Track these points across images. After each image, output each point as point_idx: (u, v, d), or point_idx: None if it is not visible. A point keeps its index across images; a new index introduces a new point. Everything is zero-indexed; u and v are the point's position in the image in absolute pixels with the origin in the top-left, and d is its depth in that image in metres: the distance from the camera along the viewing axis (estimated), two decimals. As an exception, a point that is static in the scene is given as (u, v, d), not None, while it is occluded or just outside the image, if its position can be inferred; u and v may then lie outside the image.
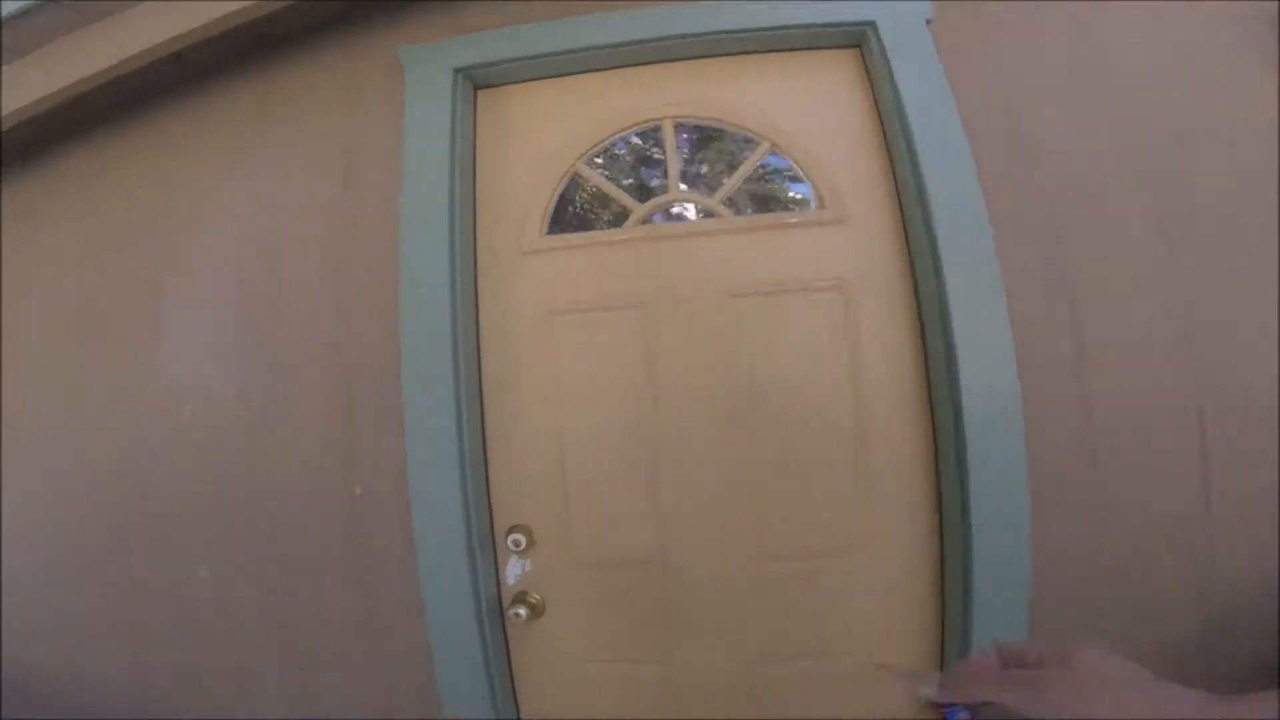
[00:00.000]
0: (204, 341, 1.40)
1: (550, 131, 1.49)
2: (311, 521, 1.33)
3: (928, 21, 1.38)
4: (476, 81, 1.50)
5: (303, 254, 1.39)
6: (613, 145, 1.51)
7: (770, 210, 1.46)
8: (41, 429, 1.47)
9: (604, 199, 1.50)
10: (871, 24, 1.40)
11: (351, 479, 1.32)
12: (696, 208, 1.47)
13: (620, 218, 1.48)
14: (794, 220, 1.43)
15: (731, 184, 1.47)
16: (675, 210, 1.48)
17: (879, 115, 1.44)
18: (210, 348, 1.39)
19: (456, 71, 1.44)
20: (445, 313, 1.32)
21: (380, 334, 1.33)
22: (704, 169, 1.51)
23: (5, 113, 1.40)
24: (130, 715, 1.52)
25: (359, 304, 1.35)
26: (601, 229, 1.47)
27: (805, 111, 1.46)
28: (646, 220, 1.47)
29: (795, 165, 1.46)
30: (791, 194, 1.47)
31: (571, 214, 1.51)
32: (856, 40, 1.45)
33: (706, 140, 1.51)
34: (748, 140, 1.47)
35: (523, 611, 1.37)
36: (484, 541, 1.37)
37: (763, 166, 1.48)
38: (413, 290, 1.33)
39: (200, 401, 1.37)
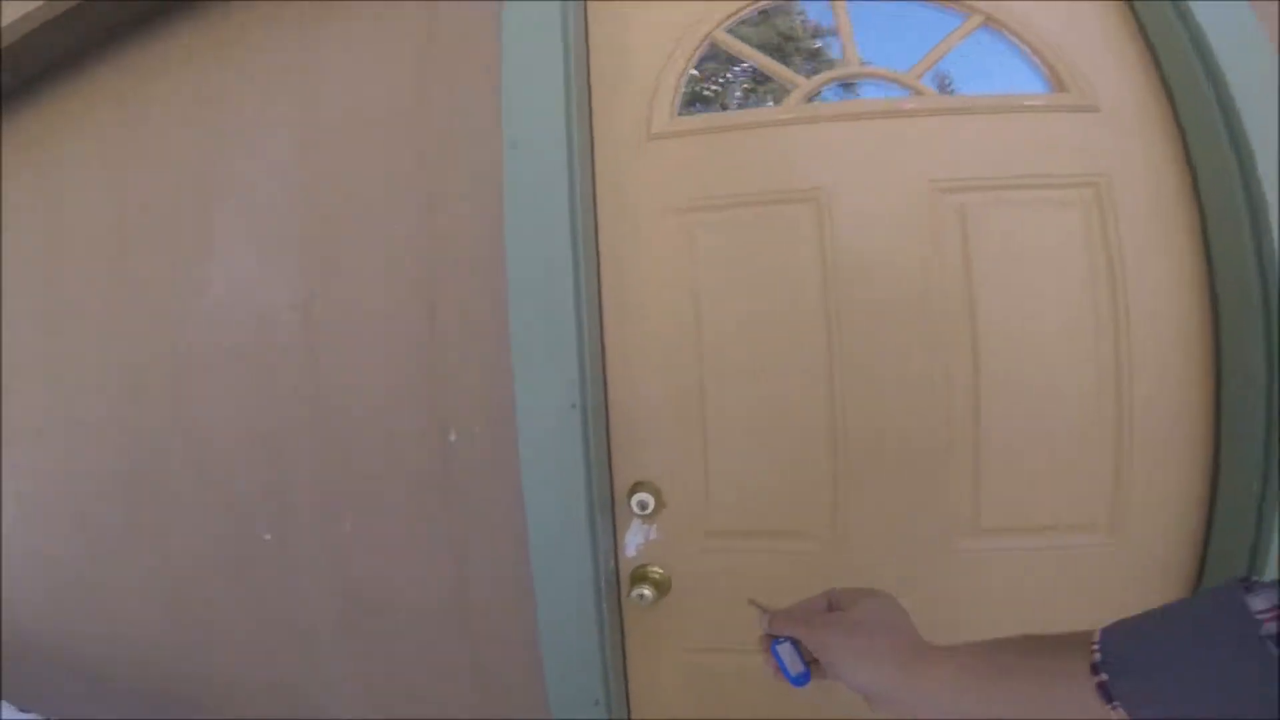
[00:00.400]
0: (259, 251, 1.13)
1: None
2: (392, 473, 1.07)
3: None
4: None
5: (374, 147, 1.10)
6: (761, 10, 1.18)
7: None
8: (78, 364, 1.24)
9: (754, 74, 1.17)
10: None
11: (443, 421, 1.05)
12: (881, 85, 1.14)
13: (777, 95, 1.16)
14: (1033, 103, 1.08)
15: (931, 58, 1.13)
16: (851, 88, 1.15)
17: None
18: (266, 258, 1.12)
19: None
20: (560, 213, 1.02)
21: (476, 242, 1.04)
22: (884, 44, 1.17)
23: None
24: (174, 714, 1.31)
25: (447, 204, 1.05)
26: (751, 108, 1.15)
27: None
28: (814, 96, 1.14)
29: (1020, 42, 1.11)
30: (1006, 78, 1.13)
31: (708, 92, 1.19)
32: None
33: (886, 11, 1.17)
34: (947, 12, 1.13)
35: (647, 592, 1.10)
36: (604, 503, 1.10)
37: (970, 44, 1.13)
38: (517, 188, 1.04)
39: (256, 321, 1.11)
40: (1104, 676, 0.41)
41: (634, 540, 1.14)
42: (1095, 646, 0.42)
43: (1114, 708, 0.40)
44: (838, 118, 1.09)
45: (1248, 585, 0.38)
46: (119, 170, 1.24)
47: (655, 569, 1.15)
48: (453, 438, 1.04)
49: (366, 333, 1.06)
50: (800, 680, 0.58)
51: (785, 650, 0.58)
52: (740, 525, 1.11)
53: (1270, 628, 0.35)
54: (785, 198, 1.07)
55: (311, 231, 1.09)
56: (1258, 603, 0.37)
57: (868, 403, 1.07)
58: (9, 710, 1.67)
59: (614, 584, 1.13)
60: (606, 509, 1.10)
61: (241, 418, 1.11)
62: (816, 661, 0.57)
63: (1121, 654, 0.41)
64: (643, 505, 1.08)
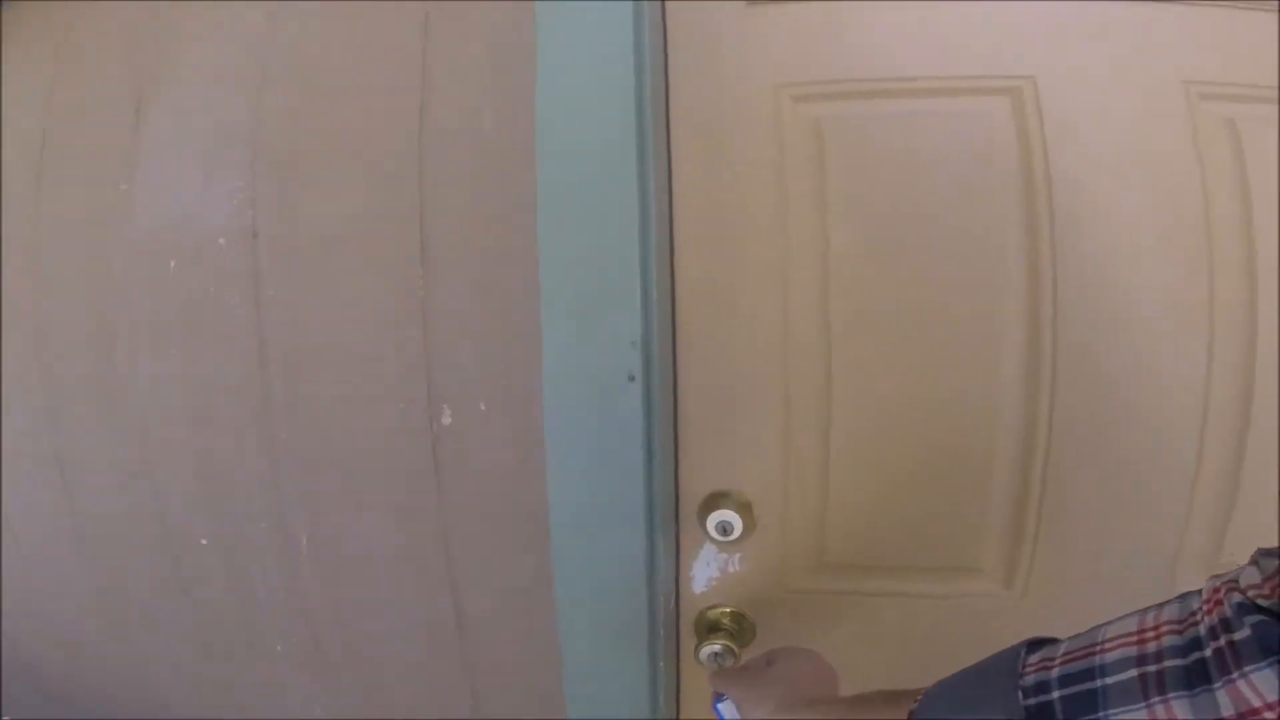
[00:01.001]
0: (199, 165, 0.77)
1: None
2: (363, 466, 0.75)
3: None
4: None
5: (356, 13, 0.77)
6: None
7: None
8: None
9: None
10: None
11: (435, 395, 0.72)
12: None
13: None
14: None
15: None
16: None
17: None
18: (209, 174, 0.77)
19: None
20: (618, 95, 0.67)
21: (490, 139, 0.70)
22: None
23: None
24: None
25: (451, 82, 0.71)
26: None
27: None
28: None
29: None
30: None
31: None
32: None
33: None
34: None
35: (719, 648, 0.77)
36: (666, 518, 0.77)
37: None
38: (553, 53, 0.69)
39: (192, 251, 0.77)
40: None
41: (705, 572, 0.80)
42: (919, 700, 0.44)
43: None
44: None
45: (1037, 641, 0.40)
46: (49, 68, 0.93)
47: (728, 612, 0.81)
48: (447, 419, 0.71)
49: (334, 273, 0.73)
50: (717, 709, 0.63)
51: (726, 708, 0.62)
52: (872, 558, 0.76)
53: (1029, 679, 0.37)
54: (968, 87, 0.70)
55: (265, 136, 0.75)
56: (1033, 657, 0.38)
57: (1081, 385, 0.70)
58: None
59: (674, 633, 0.80)
60: (669, 527, 0.76)
61: (173, 380, 0.79)
62: None
63: (930, 700, 0.43)
64: (724, 529, 0.73)
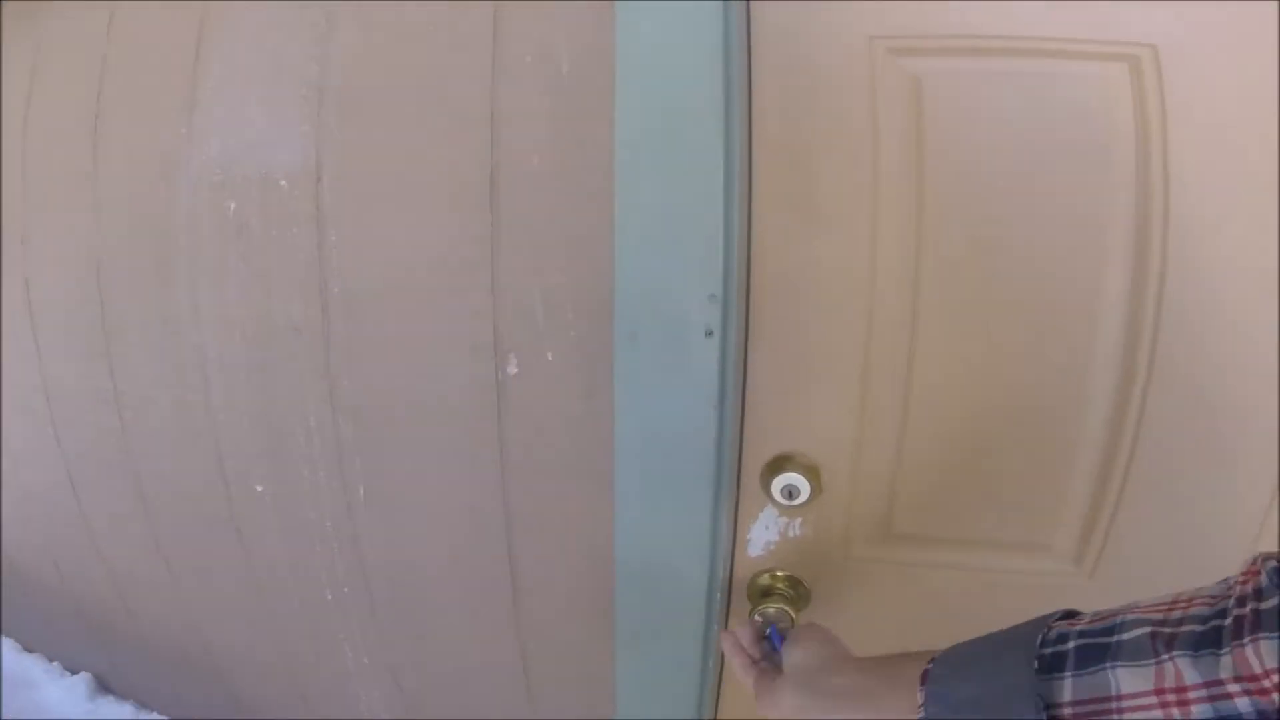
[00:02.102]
0: (261, 107, 0.74)
1: None
2: (425, 412, 0.72)
3: None
4: None
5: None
6: None
7: None
8: (44, 254, 0.93)
9: None
10: None
11: (502, 342, 0.69)
12: None
13: None
14: None
15: None
16: None
17: None
18: (272, 111, 0.73)
19: None
20: (705, 34, 0.63)
21: (567, 77, 0.65)
22: None
23: None
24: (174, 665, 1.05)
25: (526, 16, 0.69)
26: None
27: None
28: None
29: None
30: None
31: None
32: None
33: None
34: None
35: (774, 611, 0.74)
36: (730, 478, 0.74)
37: None
38: (634, 9, 0.64)
39: (254, 192, 0.74)
40: (929, 666, 0.43)
41: (763, 535, 0.77)
42: (934, 658, 0.44)
43: (921, 689, 0.42)
44: None
45: (1070, 612, 0.40)
46: (102, 17, 0.89)
47: (782, 576, 0.79)
48: (513, 368, 0.68)
49: (399, 215, 0.70)
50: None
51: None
52: (940, 530, 0.72)
53: (1052, 633, 0.37)
54: (1084, 51, 0.65)
55: (330, 76, 0.70)
56: (1061, 621, 0.38)
57: (1178, 367, 0.66)
58: (9, 647, 1.50)
59: (726, 596, 0.78)
60: (730, 488, 0.74)
61: (233, 323, 0.77)
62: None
63: (952, 650, 0.43)
64: (791, 492, 0.71)
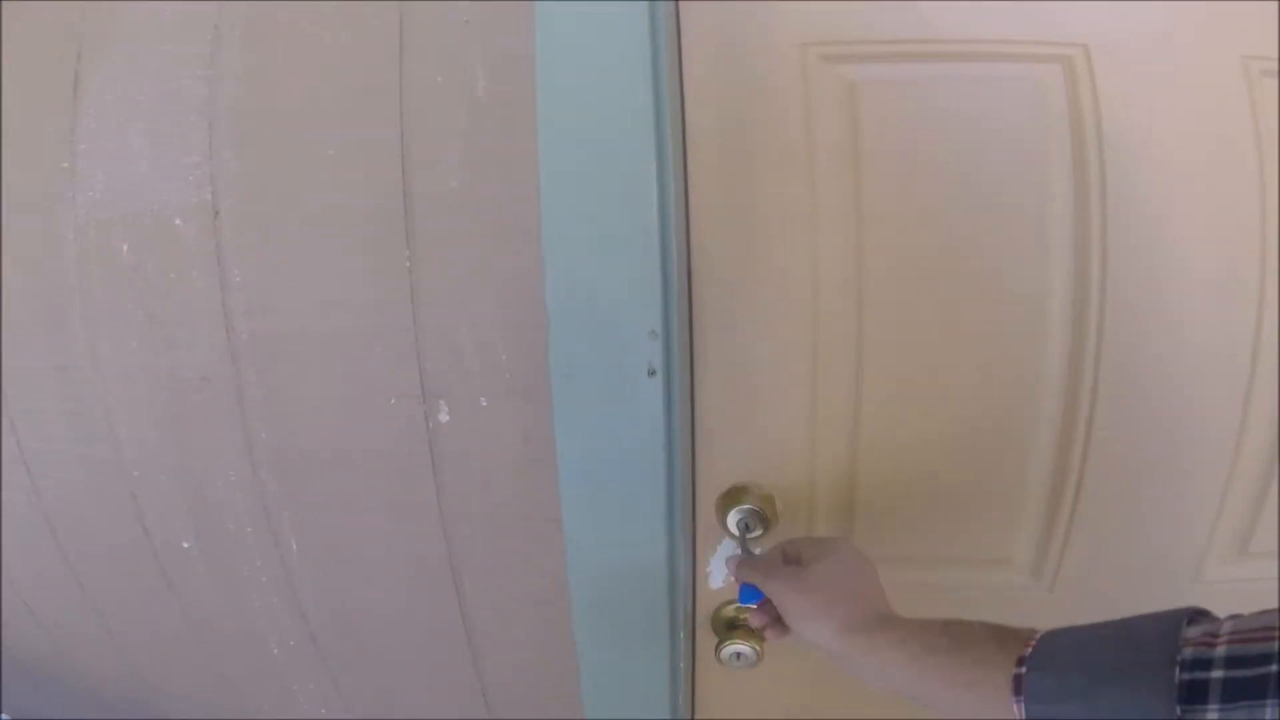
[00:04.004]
0: (147, 140, 0.64)
1: None
2: (350, 464, 0.65)
3: None
4: None
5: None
6: None
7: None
8: None
9: None
10: None
11: (430, 388, 0.61)
12: None
13: None
14: None
15: None
16: None
17: None
18: (157, 146, 0.63)
19: None
20: (631, 49, 0.56)
21: (485, 93, 0.58)
22: None
23: None
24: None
25: (438, 24, 0.60)
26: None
27: None
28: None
29: None
30: None
31: None
32: None
33: None
34: None
35: (745, 649, 0.70)
36: (685, 514, 0.68)
37: None
38: (555, 24, 0.57)
39: (146, 232, 0.64)
40: (1023, 670, 0.38)
41: (723, 567, 0.73)
42: (1033, 642, 0.40)
43: (1017, 702, 0.37)
44: None
45: (1196, 614, 0.36)
46: None
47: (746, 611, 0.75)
48: (444, 416, 0.62)
49: (308, 252, 0.62)
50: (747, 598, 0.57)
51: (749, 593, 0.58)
52: (900, 550, 0.67)
53: (1188, 653, 0.33)
54: (1018, 52, 0.59)
55: (222, 102, 0.61)
56: (1193, 631, 0.34)
57: (1126, 373, 0.62)
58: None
59: (690, 631, 0.74)
60: (687, 523, 0.69)
61: (137, 374, 0.68)
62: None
63: (1051, 653, 0.38)
64: (744, 524, 0.66)
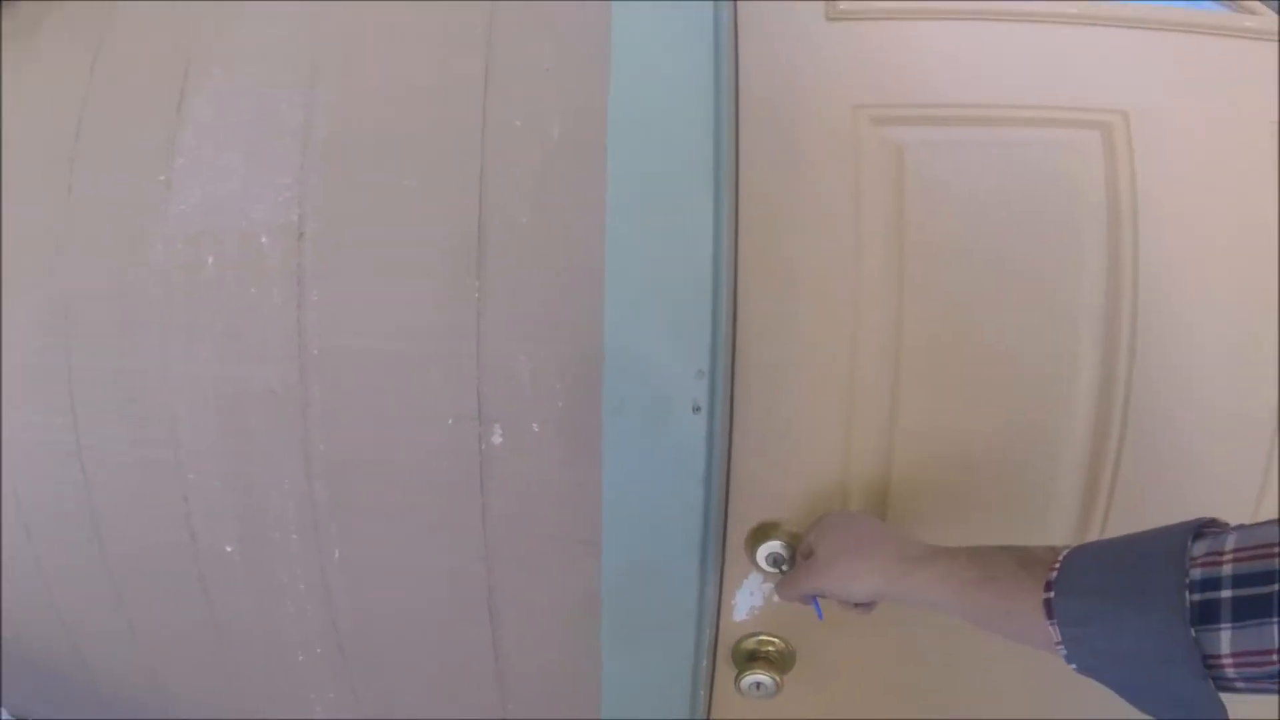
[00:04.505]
0: (243, 160, 0.69)
1: None
2: (403, 481, 0.68)
3: None
4: None
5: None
6: None
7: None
8: (22, 321, 0.85)
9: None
10: None
11: (486, 412, 0.65)
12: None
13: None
14: None
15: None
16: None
17: None
18: (252, 167, 0.69)
19: None
20: (695, 106, 0.60)
21: (558, 143, 0.63)
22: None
23: None
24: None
25: (518, 79, 0.64)
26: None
27: None
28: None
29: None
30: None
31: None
32: None
33: None
34: None
35: (766, 679, 0.72)
36: (717, 548, 0.71)
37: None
38: (629, 64, 0.61)
39: (232, 248, 0.69)
40: (1051, 594, 0.40)
41: (747, 600, 0.74)
42: (1056, 564, 0.41)
43: (1052, 625, 0.39)
44: (1136, 23, 0.65)
45: (1202, 528, 0.37)
46: (86, 57, 0.83)
47: (771, 640, 0.76)
48: (497, 439, 0.65)
49: (384, 277, 0.66)
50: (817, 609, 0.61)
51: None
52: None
53: (1196, 574, 0.34)
54: (1059, 118, 0.64)
55: (315, 130, 0.66)
56: (1199, 548, 0.35)
57: (1153, 430, 0.65)
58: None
59: (712, 662, 0.75)
60: (716, 556, 0.71)
61: (205, 381, 0.72)
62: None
63: (1073, 576, 0.40)
64: (776, 560, 0.68)
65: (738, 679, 0.72)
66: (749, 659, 0.75)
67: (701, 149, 0.61)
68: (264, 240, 0.65)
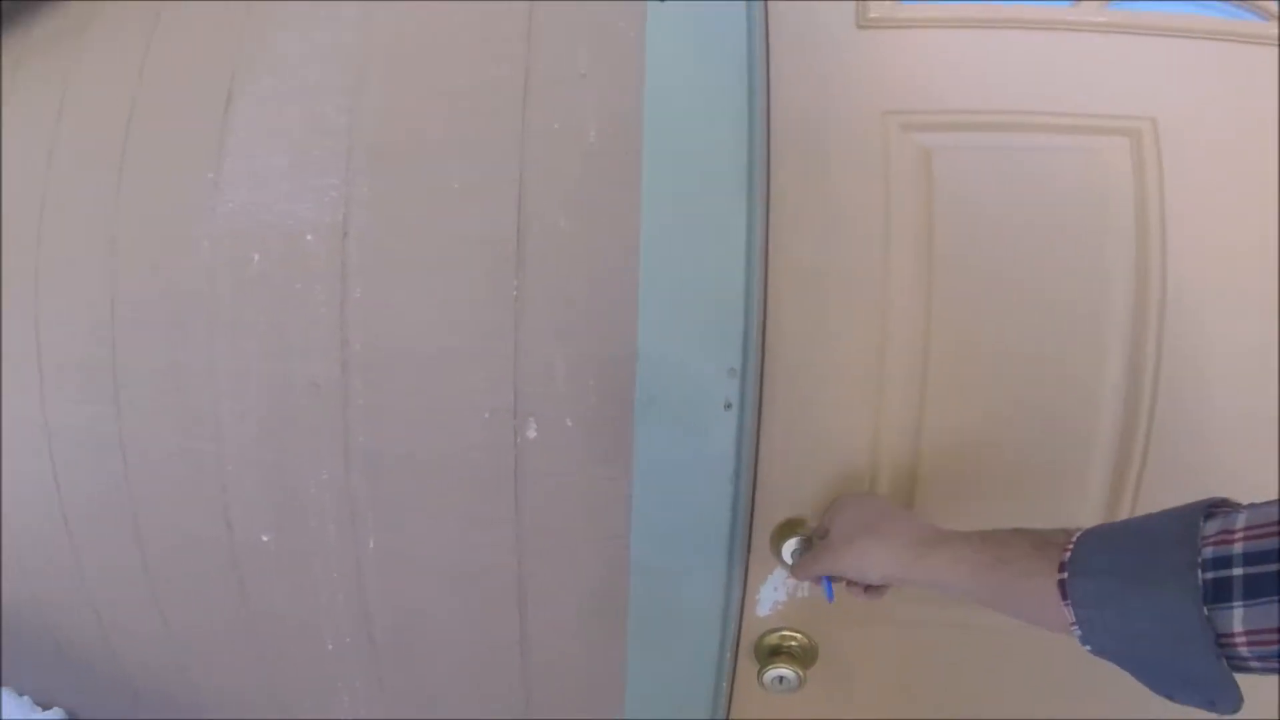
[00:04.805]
0: (290, 161, 0.72)
1: None
2: (439, 472, 0.70)
3: None
4: None
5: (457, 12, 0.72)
6: None
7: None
8: (59, 299, 0.88)
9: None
10: None
11: (522, 406, 0.67)
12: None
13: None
14: None
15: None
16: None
17: None
18: (299, 168, 0.72)
19: None
20: (728, 109, 0.62)
21: (595, 147, 0.64)
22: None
23: None
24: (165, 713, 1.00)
25: (555, 87, 0.65)
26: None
27: None
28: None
29: None
30: None
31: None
32: None
33: None
34: None
35: (789, 673, 0.73)
36: (742, 543, 0.72)
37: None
38: (664, 67, 0.63)
39: (278, 246, 0.72)
40: (1065, 575, 0.40)
41: (771, 596, 0.76)
42: (1070, 546, 0.41)
43: (1067, 606, 0.39)
44: (1170, 32, 0.66)
45: (1213, 508, 0.37)
46: (135, 59, 0.87)
47: (794, 635, 0.77)
48: (532, 433, 0.67)
49: (425, 276, 0.68)
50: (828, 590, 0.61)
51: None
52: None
53: (1208, 552, 0.34)
54: (1087, 125, 0.65)
55: (362, 132, 0.69)
56: (1211, 526, 0.35)
57: (1185, 433, 0.66)
58: (6, 695, 1.42)
59: (734, 656, 0.76)
60: (742, 552, 0.72)
61: (249, 375, 0.74)
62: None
63: (1087, 556, 0.40)
64: (799, 554, 0.70)
65: (760, 673, 0.73)
66: (772, 654, 0.76)
67: (734, 153, 0.62)
68: (309, 239, 0.67)
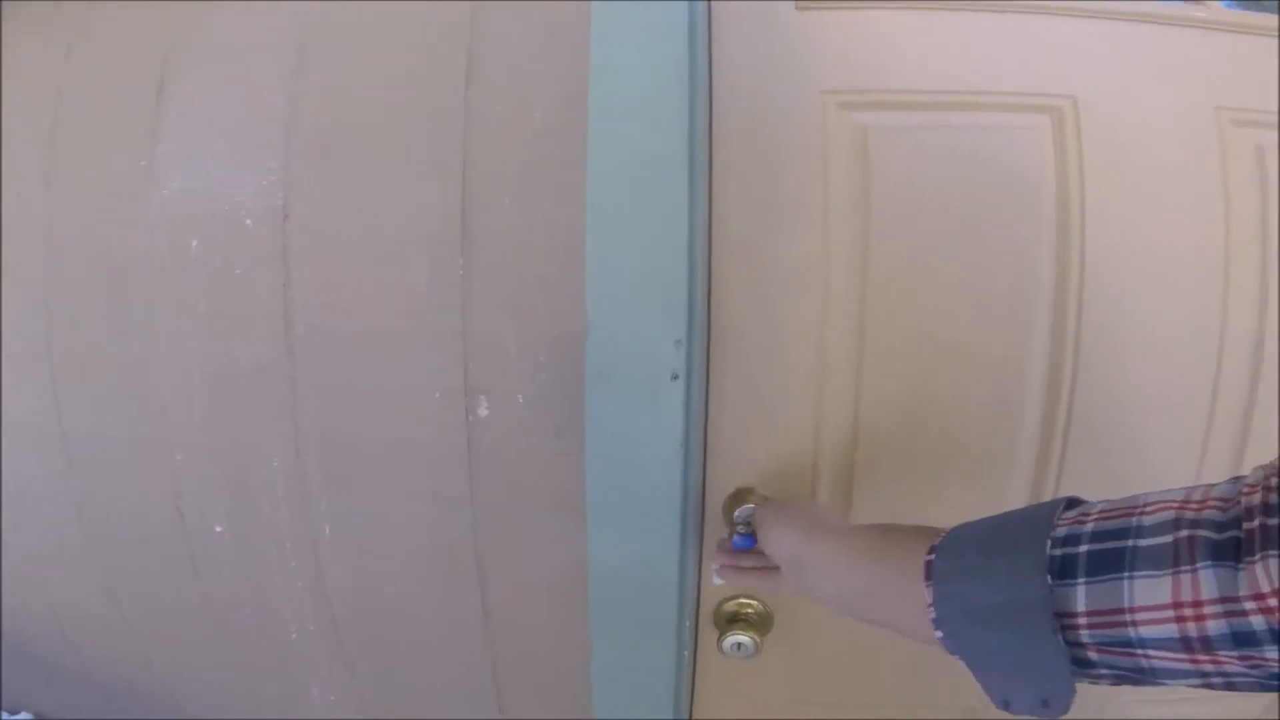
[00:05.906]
0: (227, 145, 0.70)
1: None
2: (391, 453, 0.69)
3: None
4: None
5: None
6: None
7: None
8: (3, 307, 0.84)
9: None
10: None
11: (472, 384, 0.67)
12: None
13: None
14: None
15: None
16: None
17: None
18: (236, 152, 0.70)
19: None
20: (670, 89, 0.63)
21: (540, 126, 0.65)
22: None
23: None
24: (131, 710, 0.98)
25: (499, 66, 0.65)
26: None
27: None
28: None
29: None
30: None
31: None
32: None
33: None
34: None
35: (746, 640, 0.75)
36: (695, 514, 0.74)
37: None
38: (607, 46, 0.63)
39: (216, 231, 0.70)
40: (932, 557, 0.40)
41: (725, 564, 0.78)
42: (944, 533, 0.42)
43: (927, 586, 0.39)
44: (1093, 13, 0.68)
45: (1075, 501, 0.38)
46: (60, 49, 0.83)
47: (750, 602, 0.79)
48: (484, 411, 0.67)
49: (369, 257, 0.67)
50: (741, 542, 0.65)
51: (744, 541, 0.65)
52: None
53: (1060, 531, 0.35)
54: (1011, 103, 0.67)
55: (300, 115, 0.68)
56: (1070, 512, 0.36)
57: (1098, 405, 0.69)
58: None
59: (694, 625, 0.78)
60: (696, 520, 0.74)
61: (193, 361, 0.73)
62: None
63: (955, 539, 0.41)
64: (750, 521, 0.72)
65: (720, 640, 0.75)
66: (730, 621, 0.78)
67: (678, 131, 0.63)
68: (249, 223, 0.66)
